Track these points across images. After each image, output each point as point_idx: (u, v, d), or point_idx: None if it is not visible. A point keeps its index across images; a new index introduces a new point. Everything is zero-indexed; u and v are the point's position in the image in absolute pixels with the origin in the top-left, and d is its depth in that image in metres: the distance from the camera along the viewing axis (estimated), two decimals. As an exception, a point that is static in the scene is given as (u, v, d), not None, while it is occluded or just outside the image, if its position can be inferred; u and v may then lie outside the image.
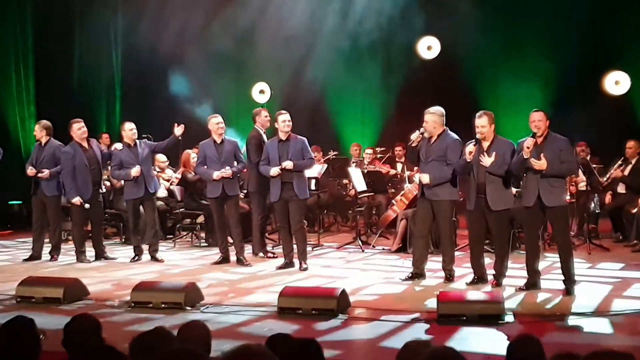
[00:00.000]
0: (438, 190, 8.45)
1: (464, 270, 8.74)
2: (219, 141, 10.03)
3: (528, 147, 7.62)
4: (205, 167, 10.03)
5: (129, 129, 10.42)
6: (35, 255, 10.60)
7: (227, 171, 9.85)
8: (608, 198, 11.57)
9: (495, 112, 8.44)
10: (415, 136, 8.57)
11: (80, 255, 10.44)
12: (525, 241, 8.51)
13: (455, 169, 8.30)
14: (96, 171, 10.49)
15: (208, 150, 10.06)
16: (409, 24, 15.25)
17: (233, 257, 10.09)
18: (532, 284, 7.94)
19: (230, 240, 10.25)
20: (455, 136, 8.53)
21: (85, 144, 10.45)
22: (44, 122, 10.76)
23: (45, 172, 10.36)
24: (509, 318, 6.70)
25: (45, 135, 10.58)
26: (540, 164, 7.58)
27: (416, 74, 15.51)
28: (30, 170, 10.43)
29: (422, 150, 8.59)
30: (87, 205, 10.27)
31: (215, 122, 10.08)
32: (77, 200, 10.24)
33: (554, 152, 7.67)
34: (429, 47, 15.14)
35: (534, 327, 6.39)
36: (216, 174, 9.88)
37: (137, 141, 10.45)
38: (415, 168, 11.38)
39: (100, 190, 10.80)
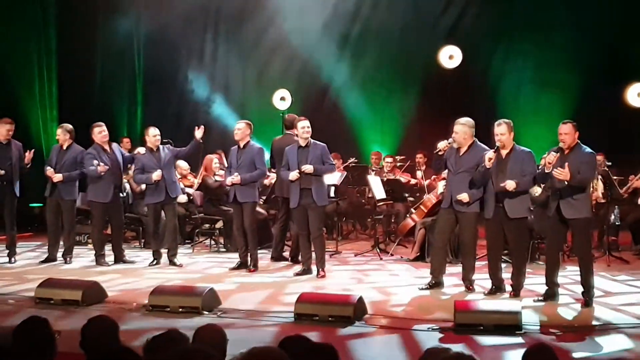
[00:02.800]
0: (469, 204, 8.39)
1: (482, 280, 8.70)
2: (241, 146, 10.06)
3: (550, 163, 7.57)
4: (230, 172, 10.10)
5: (153, 135, 10.46)
6: (51, 258, 10.66)
7: (234, 178, 9.89)
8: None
9: (516, 122, 8.38)
10: (443, 145, 8.51)
11: (99, 258, 10.49)
12: (546, 252, 8.45)
13: (474, 177, 8.24)
14: (117, 175, 10.55)
15: (232, 155, 10.14)
16: (431, 32, 15.26)
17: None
18: (550, 295, 7.88)
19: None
20: (486, 147, 8.41)
21: (106, 147, 10.51)
22: (67, 125, 10.78)
23: (59, 176, 10.44)
24: (526, 328, 6.66)
25: (68, 139, 10.64)
26: (564, 174, 7.50)
27: (437, 82, 15.49)
28: (50, 171, 10.49)
29: (450, 161, 8.52)
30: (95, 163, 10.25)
31: (234, 128, 10.14)
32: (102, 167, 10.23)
33: (575, 164, 7.60)
34: (450, 56, 15.13)
35: (551, 338, 6.35)
36: (228, 180, 9.97)
37: (161, 146, 10.50)
38: (434, 177, 11.41)
39: (121, 194, 10.86)
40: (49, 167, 10.52)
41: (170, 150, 10.57)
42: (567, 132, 7.66)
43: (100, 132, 10.48)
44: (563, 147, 7.66)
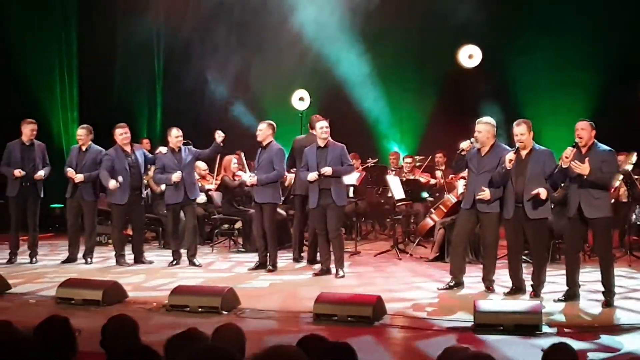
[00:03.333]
0: (489, 203, 8.37)
1: (502, 281, 8.66)
2: (263, 147, 10.09)
3: (567, 157, 7.54)
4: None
5: (175, 136, 10.49)
6: (71, 258, 10.73)
7: (252, 179, 9.95)
8: None
9: (535, 123, 8.35)
10: (466, 145, 8.46)
11: (119, 258, 10.55)
12: (565, 252, 8.41)
13: (493, 178, 8.22)
14: (136, 176, 10.59)
15: (256, 156, 10.18)
16: (450, 31, 15.21)
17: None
18: (571, 295, 7.85)
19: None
20: (507, 147, 8.40)
21: (127, 149, 10.57)
22: (88, 126, 10.86)
23: (80, 176, 10.50)
24: (547, 329, 6.64)
25: (88, 140, 10.71)
26: (583, 167, 7.46)
27: (455, 81, 15.45)
28: (71, 172, 10.55)
29: (472, 162, 8.48)
30: (120, 179, 10.28)
31: (257, 128, 10.17)
32: (113, 184, 10.26)
33: (596, 162, 7.57)
34: (470, 56, 15.09)
35: (572, 338, 6.31)
36: (248, 181, 10.05)
37: (182, 147, 10.54)
38: (451, 176, 11.38)
39: (142, 195, 10.90)
40: (69, 169, 10.58)
41: (191, 152, 10.60)
42: (583, 127, 7.65)
43: (121, 134, 10.53)
44: (579, 144, 7.63)
